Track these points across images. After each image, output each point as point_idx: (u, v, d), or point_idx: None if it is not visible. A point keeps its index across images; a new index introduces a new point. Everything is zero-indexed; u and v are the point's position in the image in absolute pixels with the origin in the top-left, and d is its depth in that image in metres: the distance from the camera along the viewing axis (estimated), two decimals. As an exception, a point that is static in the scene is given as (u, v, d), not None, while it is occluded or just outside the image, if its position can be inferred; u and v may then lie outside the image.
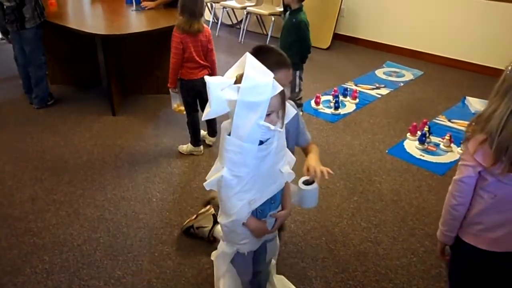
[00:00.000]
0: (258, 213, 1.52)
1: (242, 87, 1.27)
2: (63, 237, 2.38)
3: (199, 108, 3.11)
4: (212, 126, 3.26)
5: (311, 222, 2.53)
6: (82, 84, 4.35)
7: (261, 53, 1.55)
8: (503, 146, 1.24)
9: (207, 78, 1.33)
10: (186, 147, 3.21)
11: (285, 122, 1.44)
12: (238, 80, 1.30)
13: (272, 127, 1.33)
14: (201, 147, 3.21)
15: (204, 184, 1.45)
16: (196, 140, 3.18)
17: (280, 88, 1.30)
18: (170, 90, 3.06)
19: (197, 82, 2.96)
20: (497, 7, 4.61)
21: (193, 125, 3.14)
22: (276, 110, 1.35)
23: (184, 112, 3.10)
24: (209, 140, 3.30)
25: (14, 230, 2.43)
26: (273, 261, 1.94)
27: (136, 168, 3.02)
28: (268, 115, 1.32)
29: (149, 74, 4.11)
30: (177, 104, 3.09)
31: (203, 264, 2.20)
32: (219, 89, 1.30)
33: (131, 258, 2.25)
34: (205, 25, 2.95)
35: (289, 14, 3.34)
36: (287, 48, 3.03)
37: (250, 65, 1.30)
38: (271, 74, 1.30)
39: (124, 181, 2.88)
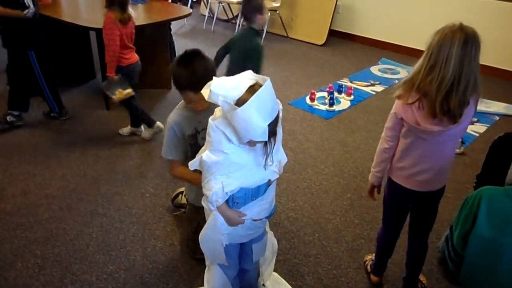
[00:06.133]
0: (235, 204, 1.52)
1: (236, 113, 1.27)
2: (55, 232, 2.37)
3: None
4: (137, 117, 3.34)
5: (304, 218, 2.54)
6: (76, 78, 4.31)
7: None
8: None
9: (212, 86, 1.33)
10: (126, 129, 3.36)
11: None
12: (243, 98, 1.29)
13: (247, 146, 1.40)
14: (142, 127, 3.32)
15: (189, 163, 1.50)
16: (149, 120, 3.26)
17: (265, 139, 1.32)
18: (108, 79, 3.04)
19: (135, 65, 3.15)
20: (494, 5, 4.63)
21: (136, 107, 3.20)
22: (254, 144, 1.39)
23: (132, 94, 3.10)
24: (140, 131, 3.38)
25: (6, 224, 2.42)
26: (272, 263, 1.95)
27: (130, 163, 3.01)
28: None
29: (143, 68, 4.06)
30: (119, 92, 3.06)
31: (196, 260, 2.20)
32: (218, 97, 1.32)
33: (123, 253, 2.24)
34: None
35: None
36: None
37: (259, 97, 1.27)
38: (269, 120, 1.30)
39: (117, 176, 2.87)
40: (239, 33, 3.09)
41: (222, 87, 1.32)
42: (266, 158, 1.42)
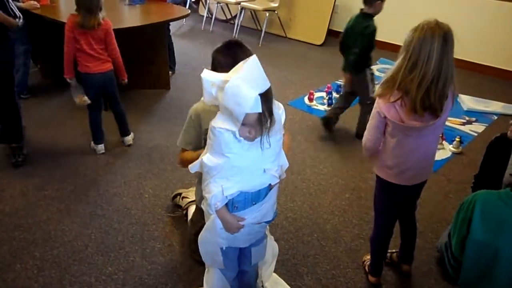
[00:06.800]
0: (234, 208, 1.52)
1: (225, 90, 1.29)
2: (54, 233, 2.37)
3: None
4: (121, 126, 3.22)
5: (303, 219, 2.54)
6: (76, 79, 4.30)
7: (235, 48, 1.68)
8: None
9: (202, 75, 1.35)
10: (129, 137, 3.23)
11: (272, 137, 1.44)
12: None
13: (247, 144, 1.39)
14: (101, 146, 3.14)
15: (189, 166, 1.50)
16: (96, 137, 3.13)
17: (259, 110, 1.30)
18: (69, 81, 2.97)
19: (95, 76, 2.92)
20: (494, 6, 4.63)
21: (93, 124, 3.09)
22: (252, 124, 1.36)
23: (86, 102, 3.03)
24: (128, 140, 3.24)
25: (4, 225, 2.41)
26: (272, 265, 1.95)
27: (129, 164, 3.01)
28: (244, 124, 1.35)
29: (142, 69, 4.09)
30: (79, 97, 3.01)
31: (195, 261, 2.20)
32: (210, 85, 1.32)
33: (122, 254, 2.24)
34: (102, 19, 2.83)
35: None
36: None
37: (245, 70, 1.29)
38: (259, 89, 1.30)
39: (116, 177, 2.86)
40: (353, 21, 3.19)
41: (212, 74, 1.36)
42: (262, 136, 1.39)
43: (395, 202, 1.94)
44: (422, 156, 1.77)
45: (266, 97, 1.32)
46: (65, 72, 2.92)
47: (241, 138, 1.38)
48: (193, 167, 1.50)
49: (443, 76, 1.57)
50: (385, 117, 1.69)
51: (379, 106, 1.70)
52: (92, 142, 3.15)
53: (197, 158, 1.54)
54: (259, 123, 1.36)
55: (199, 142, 1.84)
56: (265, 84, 1.33)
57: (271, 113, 1.38)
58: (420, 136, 1.70)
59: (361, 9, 3.14)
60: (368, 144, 1.82)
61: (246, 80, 1.29)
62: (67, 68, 2.91)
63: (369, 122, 1.79)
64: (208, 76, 1.35)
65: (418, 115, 1.60)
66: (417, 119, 1.63)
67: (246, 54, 1.73)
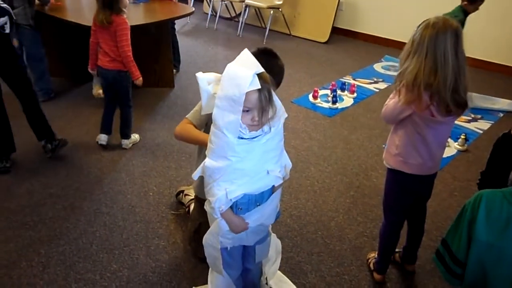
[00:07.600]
0: (238, 210, 1.51)
1: (222, 77, 1.30)
2: (59, 231, 2.38)
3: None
4: (122, 128, 3.18)
5: (307, 216, 2.54)
6: (80, 77, 4.32)
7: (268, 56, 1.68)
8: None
9: (197, 74, 1.36)
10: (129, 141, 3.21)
11: (275, 126, 1.42)
12: None
13: (248, 134, 1.36)
14: (102, 136, 3.16)
15: (193, 175, 1.50)
16: (102, 127, 3.17)
17: (258, 86, 1.29)
18: (91, 72, 3.06)
19: (103, 71, 2.98)
20: (500, 2, 4.59)
21: (102, 115, 3.14)
22: (253, 107, 1.34)
23: (100, 95, 3.15)
24: (125, 144, 3.19)
25: (10, 223, 2.43)
26: (277, 263, 1.94)
27: (133, 162, 3.02)
28: (246, 111, 1.33)
29: (147, 67, 4.08)
30: (96, 87, 3.14)
31: (198, 259, 2.20)
32: (206, 83, 1.32)
33: (127, 251, 2.25)
34: (116, 17, 2.81)
35: None
36: None
37: (240, 58, 1.31)
38: (254, 70, 1.29)
39: (121, 175, 2.87)
40: (454, 10, 3.53)
41: (207, 74, 1.39)
42: (262, 116, 1.36)
43: (410, 197, 1.95)
44: (441, 145, 1.83)
45: (262, 80, 1.33)
46: (89, 63, 3.03)
47: (245, 131, 1.36)
48: (195, 174, 1.49)
49: (462, 71, 1.59)
50: (412, 113, 1.70)
51: (414, 109, 1.68)
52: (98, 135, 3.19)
53: (194, 138, 1.72)
54: (260, 106, 1.34)
55: (203, 124, 1.87)
56: (259, 68, 1.33)
57: (270, 95, 1.37)
58: (441, 126, 1.74)
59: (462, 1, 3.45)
60: (386, 121, 1.87)
61: (241, 63, 1.31)
62: (89, 60, 3.01)
63: (391, 110, 1.76)
64: (203, 75, 1.37)
65: (454, 112, 1.65)
66: (449, 114, 1.67)
67: (277, 63, 1.72)
